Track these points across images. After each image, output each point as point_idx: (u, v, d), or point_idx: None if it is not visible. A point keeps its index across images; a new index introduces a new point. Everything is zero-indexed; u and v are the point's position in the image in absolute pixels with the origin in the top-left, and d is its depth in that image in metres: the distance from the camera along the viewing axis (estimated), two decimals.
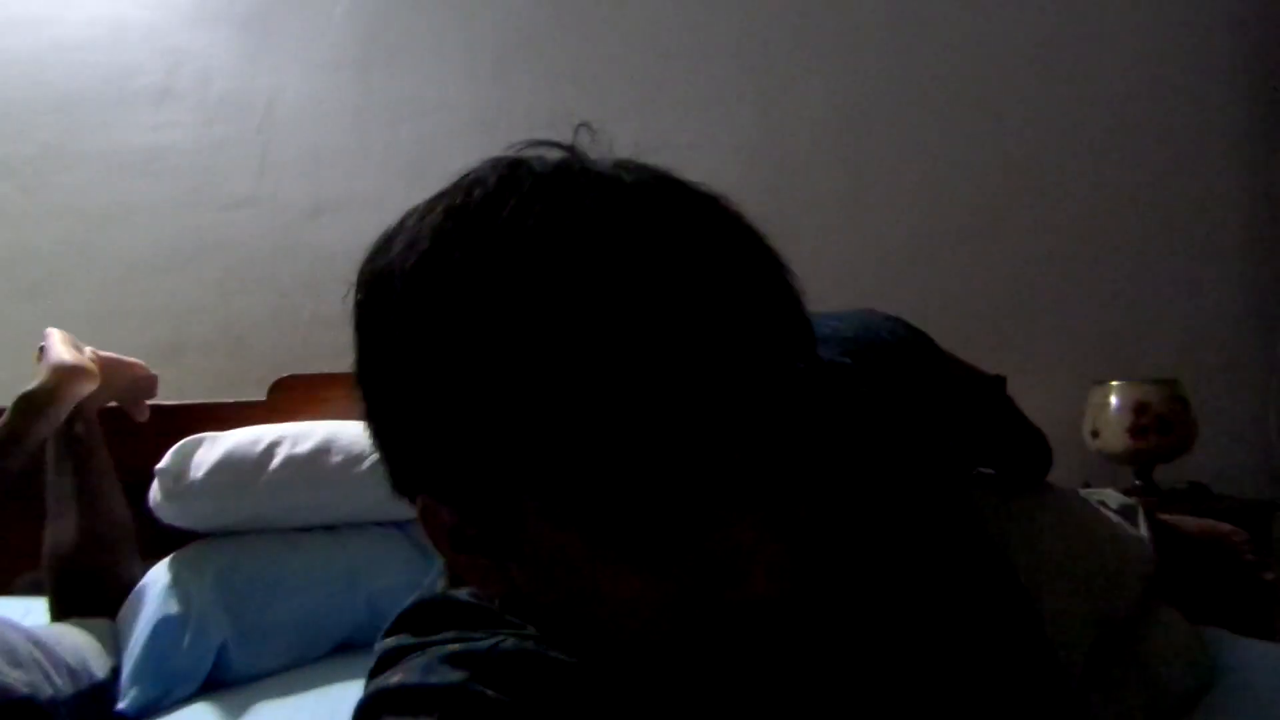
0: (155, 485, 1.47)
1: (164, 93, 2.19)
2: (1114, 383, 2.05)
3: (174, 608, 1.34)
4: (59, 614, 1.43)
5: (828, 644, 0.45)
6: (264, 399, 1.90)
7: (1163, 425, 1.97)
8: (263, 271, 2.18)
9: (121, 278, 2.16)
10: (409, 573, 1.42)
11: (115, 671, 1.32)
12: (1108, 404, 2.03)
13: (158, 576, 1.42)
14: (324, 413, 1.79)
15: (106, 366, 1.55)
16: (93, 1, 2.19)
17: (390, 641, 0.47)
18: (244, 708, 1.25)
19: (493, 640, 0.44)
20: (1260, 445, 2.23)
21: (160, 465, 1.45)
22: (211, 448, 1.47)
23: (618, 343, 0.32)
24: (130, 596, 1.43)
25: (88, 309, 2.10)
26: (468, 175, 0.39)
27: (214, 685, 1.34)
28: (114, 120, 2.18)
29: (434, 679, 0.42)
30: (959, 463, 0.73)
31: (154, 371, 1.71)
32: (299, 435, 1.52)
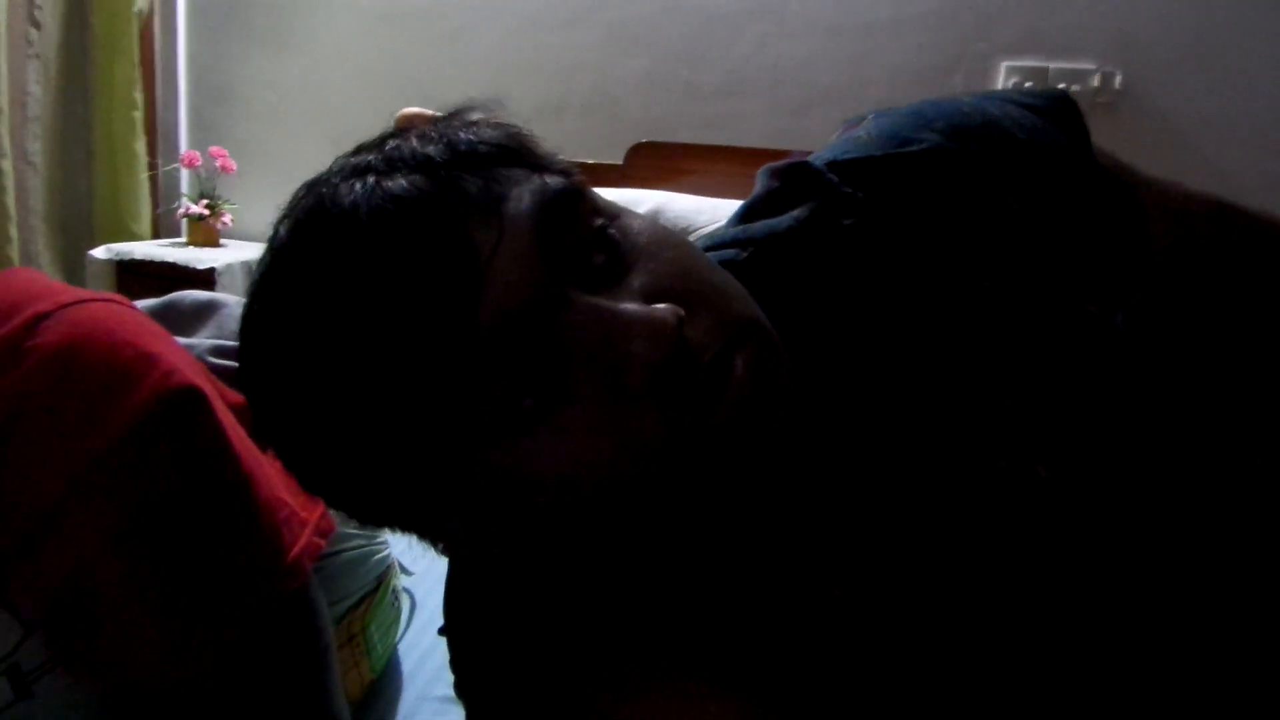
0: None
1: None
2: None
3: None
4: None
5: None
6: (620, 163, 1.91)
7: None
8: (642, 32, 2.14)
9: (517, 30, 2.24)
10: None
11: None
12: None
13: None
14: (677, 182, 1.76)
15: None
16: None
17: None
18: None
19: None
20: None
21: None
22: None
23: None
24: None
25: (488, 60, 2.23)
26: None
27: None
28: None
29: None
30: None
31: (538, 130, 1.76)
32: (630, 201, 1.51)
